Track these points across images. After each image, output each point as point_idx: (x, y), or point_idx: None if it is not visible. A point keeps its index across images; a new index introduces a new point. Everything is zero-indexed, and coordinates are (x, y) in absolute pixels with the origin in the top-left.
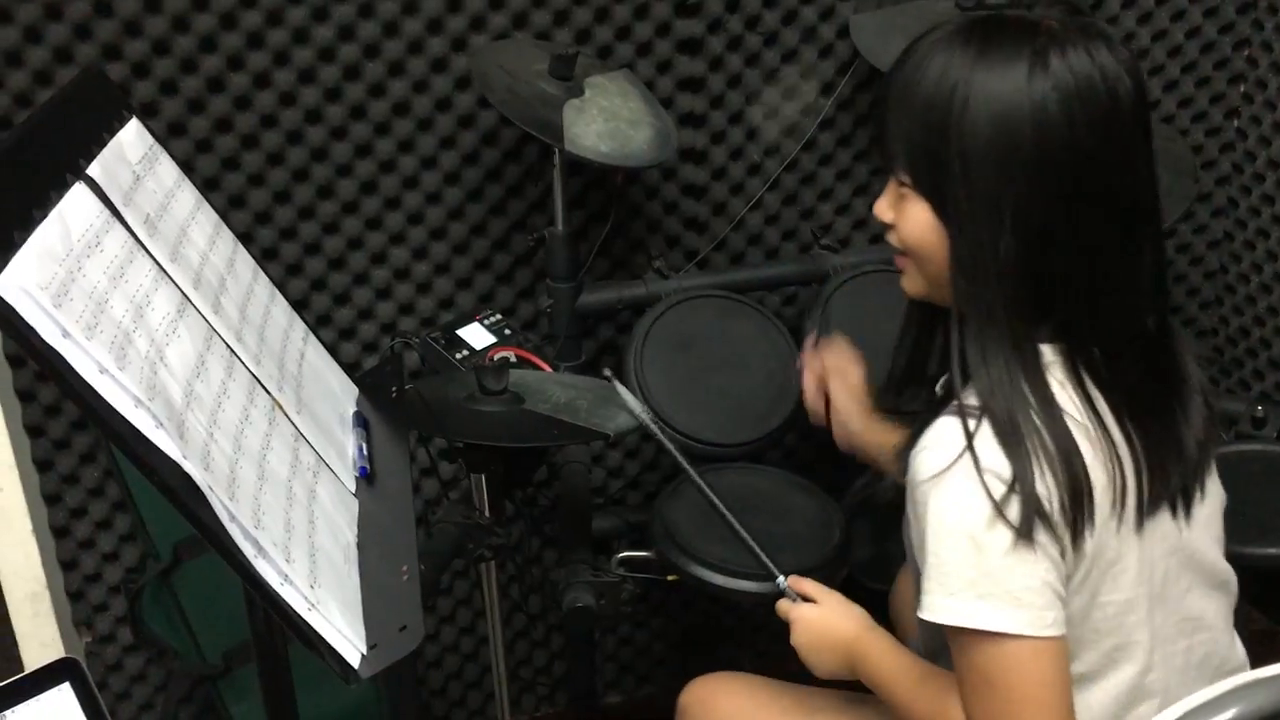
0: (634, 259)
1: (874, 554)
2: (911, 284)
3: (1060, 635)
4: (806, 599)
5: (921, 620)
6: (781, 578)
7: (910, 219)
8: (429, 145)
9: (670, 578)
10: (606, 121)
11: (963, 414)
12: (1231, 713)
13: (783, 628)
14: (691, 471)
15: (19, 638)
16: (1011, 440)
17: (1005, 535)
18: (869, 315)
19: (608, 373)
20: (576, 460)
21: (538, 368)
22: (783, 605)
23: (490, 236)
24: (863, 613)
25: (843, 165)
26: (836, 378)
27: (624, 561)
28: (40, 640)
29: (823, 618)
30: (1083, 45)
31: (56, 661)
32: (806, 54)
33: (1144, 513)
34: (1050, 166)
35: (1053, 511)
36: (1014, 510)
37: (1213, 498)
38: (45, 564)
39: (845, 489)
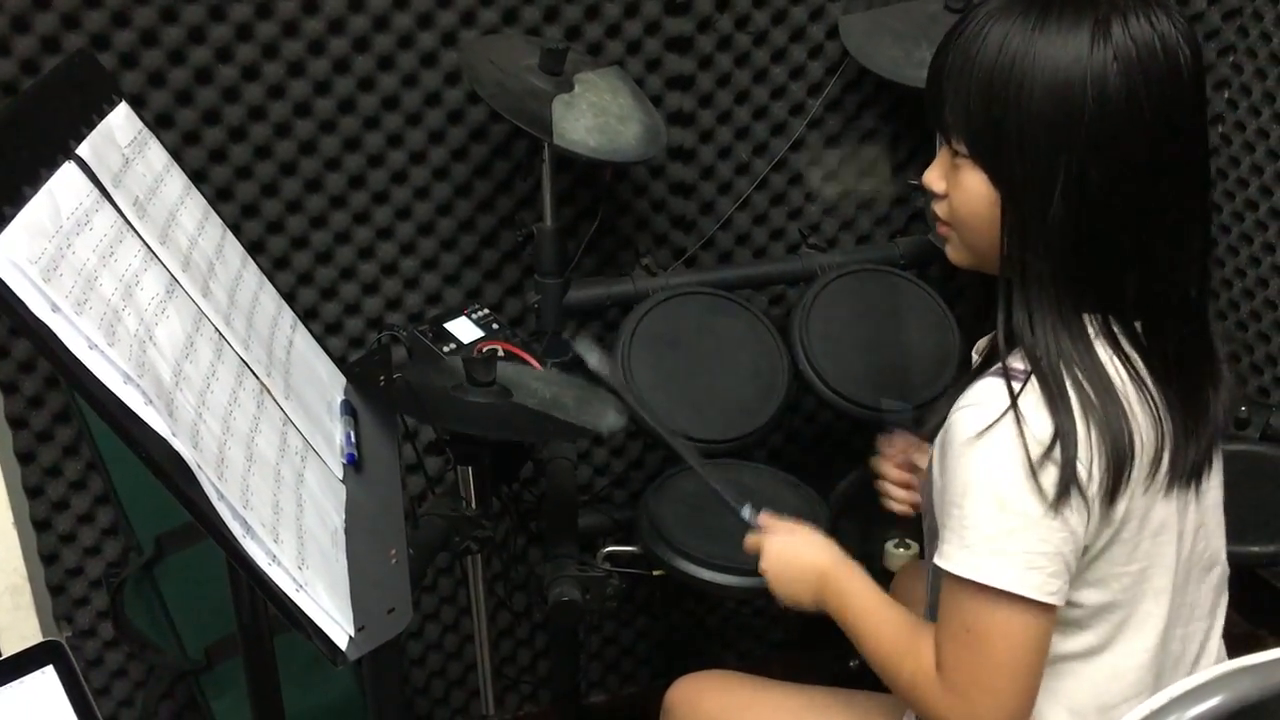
0: (622, 256)
1: (860, 551)
2: (957, 253)
3: (1056, 606)
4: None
5: (933, 571)
6: (748, 509)
7: (965, 189)
8: (418, 140)
9: (656, 572)
10: (596, 116)
11: (1007, 375)
12: (1215, 700)
13: (767, 625)
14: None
15: None
16: (1058, 401)
17: (1033, 500)
18: (854, 314)
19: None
20: (563, 456)
21: (525, 363)
22: (751, 538)
23: (478, 232)
24: (835, 545)
25: (830, 166)
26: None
27: (610, 556)
28: (20, 634)
29: (794, 545)
30: (1144, 14)
31: (40, 645)
32: (795, 54)
33: (1174, 478)
34: (1110, 136)
35: (1091, 476)
36: (1049, 477)
37: (1217, 488)
38: (26, 557)
39: (831, 486)
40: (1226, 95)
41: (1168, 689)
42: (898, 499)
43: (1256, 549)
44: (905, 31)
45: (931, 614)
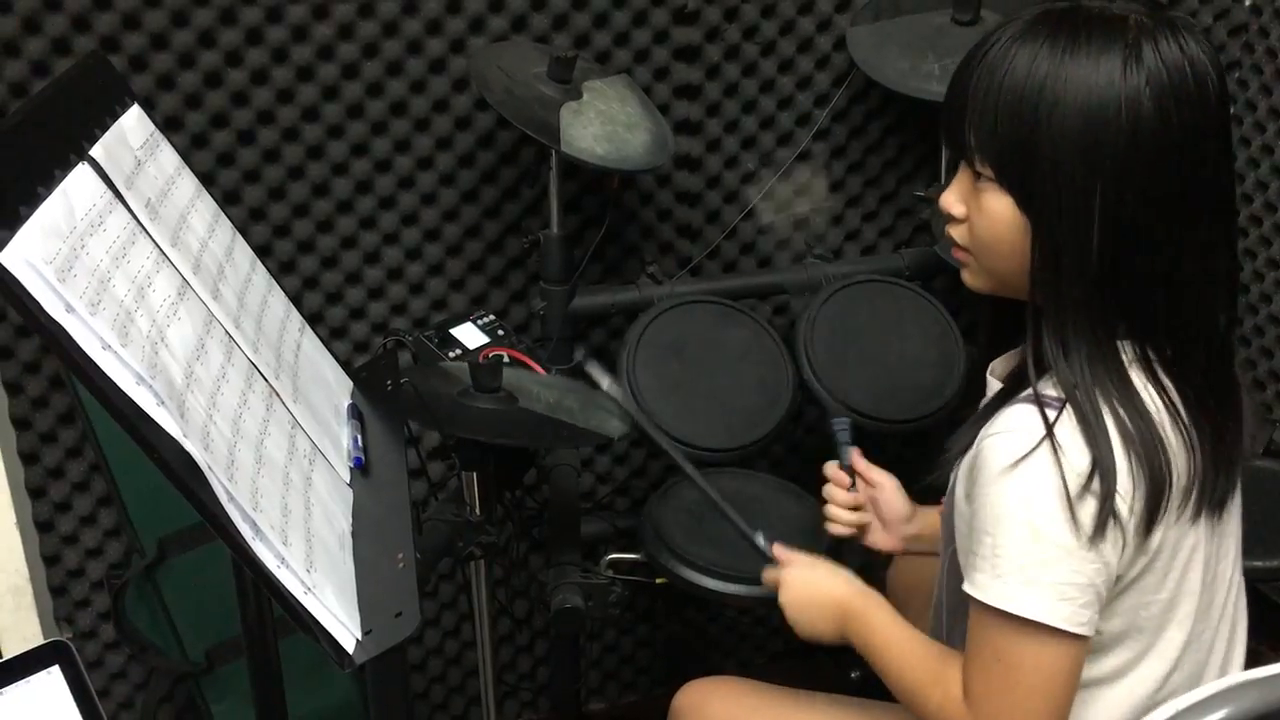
0: (627, 264)
1: (862, 561)
2: (976, 278)
3: (1087, 636)
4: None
5: (947, 587)
6: (761, 537)
7: (988, 213)
8: (425, 146)
9: (659, 580)
10: (604, 125)
11: (1040, 403)
12: (1222, 713)
13: (767, 635)
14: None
15: None
16: (1095, 431)
17: (1069, 532)
18: (859, 325)
19: (582, 355)
20: (566, 463)
21: (530, 369)
22: (769, 573)
23: (484, 238)
24: (853, 575)
25: (836, 176)
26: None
27: (613, 564)
28: (22, 635)
29: (814, 578)
30: (1173, 38)
31: (46, 645)
32: (803, 64)
33: (1202, 506)
34: (1143, 160)
35: (1130, 508)
36: (1087, 510)
37: (1236, 513)
38: (28, 558)
39: None
40: (1231, 110)
41: (1173, 702)
42: (844, 522)
43: (1259, 564)
44: (912, 43)
45: (941, 620)
